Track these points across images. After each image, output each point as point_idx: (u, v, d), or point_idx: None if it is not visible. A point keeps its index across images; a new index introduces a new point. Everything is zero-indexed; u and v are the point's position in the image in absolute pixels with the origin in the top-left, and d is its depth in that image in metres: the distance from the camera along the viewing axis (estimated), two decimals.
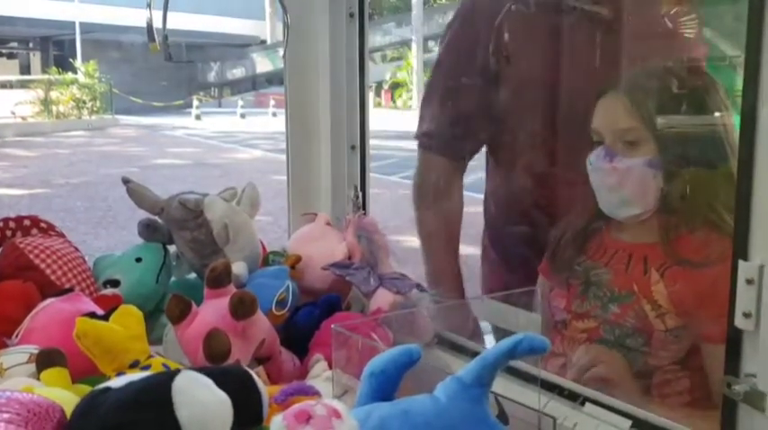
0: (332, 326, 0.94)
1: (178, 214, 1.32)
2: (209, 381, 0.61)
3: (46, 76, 17.90)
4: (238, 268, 1.31)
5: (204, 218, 1.31)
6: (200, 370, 0.65)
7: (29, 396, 0.62)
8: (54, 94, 16.55)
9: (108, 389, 0.61)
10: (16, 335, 1.05)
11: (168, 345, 1.19)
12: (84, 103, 17.06)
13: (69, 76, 17.55)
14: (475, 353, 1.34)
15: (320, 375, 1.15)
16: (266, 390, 0.71)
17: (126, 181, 1.34)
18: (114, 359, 0.87)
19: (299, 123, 1.61)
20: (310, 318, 1.30)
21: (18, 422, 0.57)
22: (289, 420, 0.58)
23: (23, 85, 17.69)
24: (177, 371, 0.60)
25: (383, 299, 1.32)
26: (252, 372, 0.71)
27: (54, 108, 16.56)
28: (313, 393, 0.87)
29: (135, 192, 1.34)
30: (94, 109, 17.36)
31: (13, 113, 15.66)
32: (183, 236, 1.34)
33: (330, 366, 1.17)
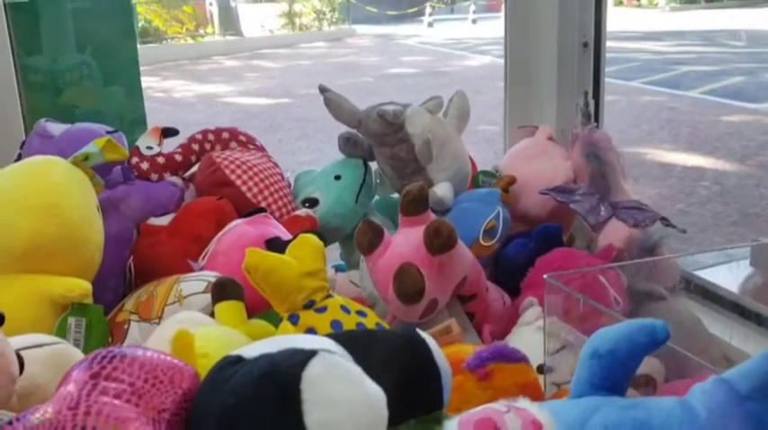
0: (544, 276, 0.74)
1: (377, 128, 1.17)
2: (353, 369, 0.45)
3: None
4: (442, 190, 1.14)
5: (405, 132, 1.15)
6: (360, 337, 0.50)
7: (156, 358, 0.51)
8: (297, 7, 17.34)
9: (239, 359, 0.49)
10: (203, 257, 0.99)
11: (364, 274, 1.07)
12: (324, 14, 17.68)
13: None
14: (743, 309, 1.07)
15: (532, 323, 0.97)
16: (448, 365, 0.54)
17: (323, 90, 1.22)
18: (286, 298, 0.75)
19: (521, 18, 1.36)
20: (524, 251, 1.10)
21: (128, 396, 0.46)
22: None
23: None
24: (313, 353, 0.45)
25: (616, 233, 1.08)
26: (428, 340, 0.54)
27: (297, 20, 17.38)
28: (517, 359, 0.69)
29: (332, 102, 1.21)
30: (333, 20, 17.94)
31: (263, 26, 16.74)
32: (383, 152, 1.19)
33: None
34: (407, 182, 1.16)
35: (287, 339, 0.51)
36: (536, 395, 0.69)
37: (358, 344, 0.51)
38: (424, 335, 0.55)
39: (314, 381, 0.43)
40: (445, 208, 1.15)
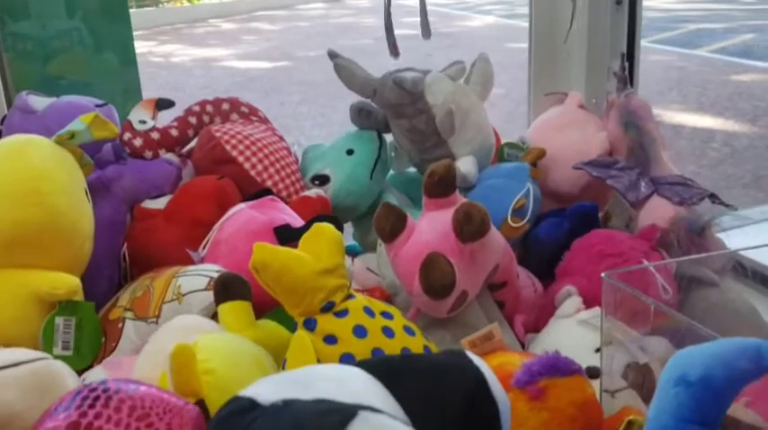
0: (602, 275, 0.64)
1: (393, 97, 1.05)
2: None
3: None
4: (466, 165, 1.04)
5: (425, 102, 1.04)
6: (398, 367, 0.40)
7: (149, 397, 0.42)
8: None
9: (255, 406, 0.39)
10: (203, 246, 0.89)
11: (381, 259, 0.97)
12: None
13: None
14: None
15: (571, 315, 0.87)
16: (506, 396, 0.45)
17: (333, 55, 1.10)
18: (301, 300, 0.65)
19: None
20: (557, 232, 1.00)
21: None
22: None
23: None
24: (353, 412, 0.35)
25: (659, 211, 0.98)
26: (482, 366, 0.45)
27: None
28: (572, 372, 0.60)
29: (344, 69, 1.09)
30: None
31: None
32: (401, 124, 1.08)
33: (586, 304, 0.88)
34: (427, 156, 1.06)
35: (312, 375, 0.42)
36: (594, 414, 0.60)
37: (396, 377, 0.41)
38: (477, 360, 0.45)
39: None
40: (469, 184, 1.05)
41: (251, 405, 0.40)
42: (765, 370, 0.44)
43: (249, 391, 0.41)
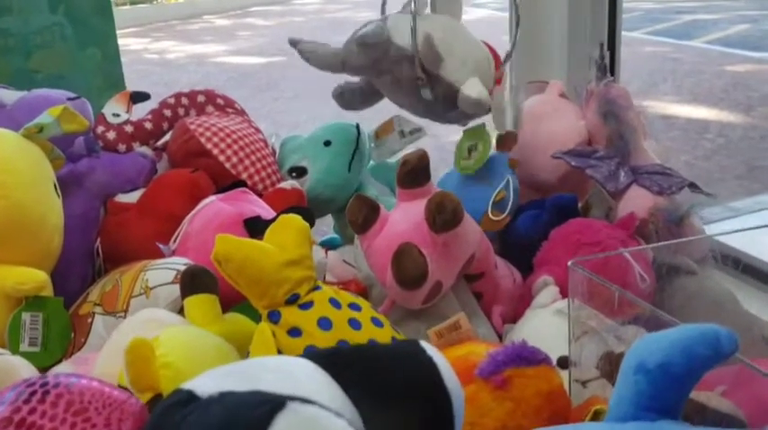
0: (569, 263, 0.63)
1: (363, 59, 0.98)
2: (332, 426, 0.34)
3: None
4: (474, 88, 0.93)
5: (396, 47, 0.95)
6: (347, 357, 0.39)
7: (89, 392, 0.41)
8: None
9: (192, 398, 0.38)
10: (174, 240, 0.88)
11: (358, 253, 0.96)
12: None
13: None
14: None
15: (548, 305, 0.86)
16: (460, 388, 0.43)
17: (294, 43, 1.05)
18: (265, 292, 0.64)
19: None
20: (535, 225, 0.98)
21: None
22: None
23: None
24: (282, 403, 0.34)
25: (638, 201, 0.97)
26: (435, 356, 0.43)
27: None
28: (538, 361, 0.59)
29: (308, 53, 1.02)
30: None
31: None
32: (385, 81, 1.00)
33: (563, 294, 0.87)
34: (429, 102, 0.97)
35: (254, 368, 0.41)
36: (561, 404, 0.59)
37: (345, 367, 0.40)
38: (430, 349, 0.44)
39: None
40: (484, 110, 0.97)
41: (189, 397, 0.39)
42: (724, 356, 0.43)
43: (190, 384, 0.40)
